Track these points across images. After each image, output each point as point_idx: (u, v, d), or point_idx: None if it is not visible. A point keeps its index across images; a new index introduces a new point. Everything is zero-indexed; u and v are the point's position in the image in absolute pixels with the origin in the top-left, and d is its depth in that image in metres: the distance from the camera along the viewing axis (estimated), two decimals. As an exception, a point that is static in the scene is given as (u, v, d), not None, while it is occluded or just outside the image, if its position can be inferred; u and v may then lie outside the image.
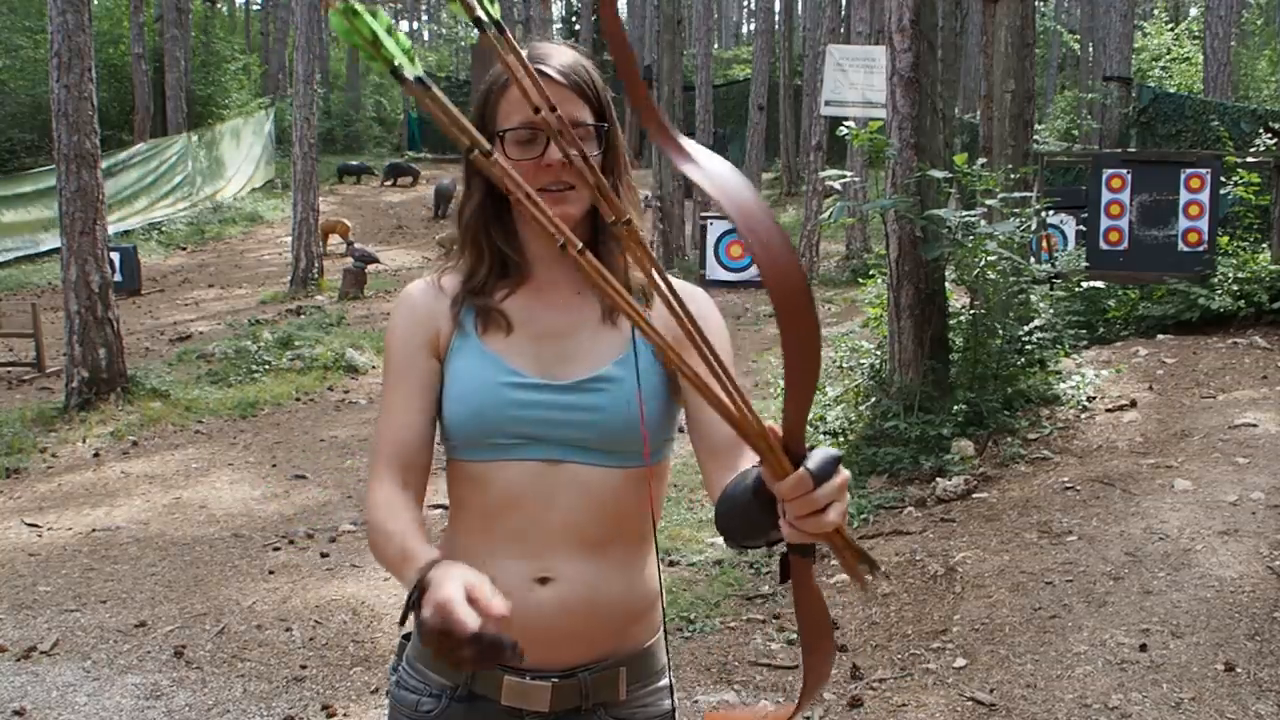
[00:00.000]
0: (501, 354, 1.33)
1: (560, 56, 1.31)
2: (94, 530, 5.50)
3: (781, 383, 6.28)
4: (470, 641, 0.95)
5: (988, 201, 5.99)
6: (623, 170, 1.35)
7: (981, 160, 7.25)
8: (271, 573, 4.80)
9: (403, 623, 1.03)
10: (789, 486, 0.94)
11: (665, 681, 1.41)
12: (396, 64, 0.90)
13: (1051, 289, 6.50)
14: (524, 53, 1.30)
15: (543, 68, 1.27)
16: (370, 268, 14.32)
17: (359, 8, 0.88)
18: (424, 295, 1.39)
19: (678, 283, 1.39)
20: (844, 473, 0.96)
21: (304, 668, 3.82)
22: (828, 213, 6.88)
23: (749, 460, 1.23)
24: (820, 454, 0.95)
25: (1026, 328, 5.73)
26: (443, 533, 1.45)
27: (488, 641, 0.95)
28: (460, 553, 1.37)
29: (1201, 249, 7.15)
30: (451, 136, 0.93)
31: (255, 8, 40.89)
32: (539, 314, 1.35)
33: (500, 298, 1.35)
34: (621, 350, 1.32)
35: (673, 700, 1.42)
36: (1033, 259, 6.70)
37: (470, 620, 0.95)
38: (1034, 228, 6.44)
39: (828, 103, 12.09)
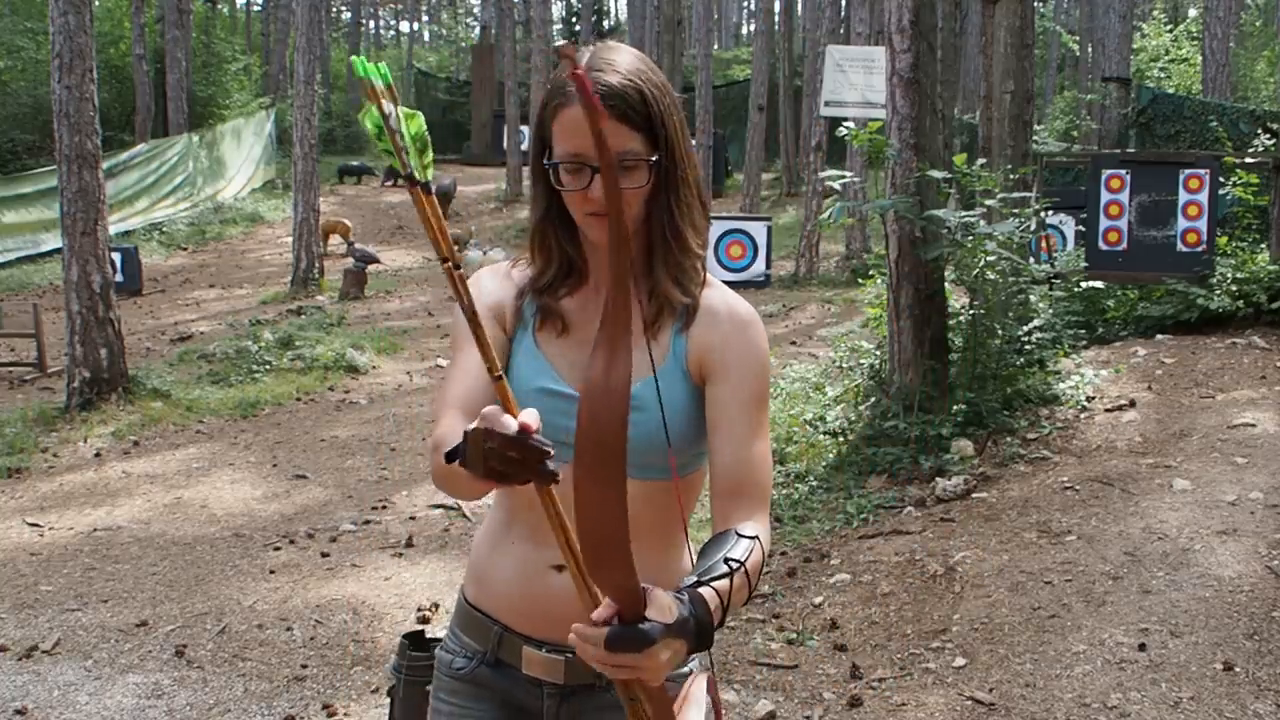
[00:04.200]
0: (549, 358, 1.40)
1: (612, 73, 1.28)
2: (95, 530, 5.51)
3: (781, 382, 6.21)
4: (512, 443, 1.01)
5: (987, 202, 6.00)
6: (680, 189, 1.34)
7: (981, 161, 7.26)
8: (272, 572, 4.81)
9: (449, 460, 1.08)
10: (586, 634, 1.05)
11: (686, 669, 1.43)
12: (409, 173, 1.02)
13: (1051, 289, 6.52)
14: (590, 52, 1.32)
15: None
16: (371, 268, 14.33)
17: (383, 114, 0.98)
18: (493, 281, 1.45)
19: (726, 294, 1.41)
20: (646, 659, 1.03)
21: (305, 667, 3.83)
22: (827, 213, 6.88)
23: (741, 515, 1.30)
24: (630, 631, 1.04)
25: (1026, 328, 5.74)
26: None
27: (529, 444, 1.02)
28: (489, 536, 1.49)
29: (1200, 249, 7.16)
30: (431, 239, 1.04)
31: (256, 9, 40.92)
32: (588, 318, 1.39)
33: (561, 296, 1.41)
34: (658, 365, 1.36)
35: (680, 684, 1.43)
36: (1032, 259, 6.71)
37: (510, 424, 1.01)
38: (1033, 228, 6.45)
39: (827, 103, 12.09)
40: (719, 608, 1.15)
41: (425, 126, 1.01)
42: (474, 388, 1.34)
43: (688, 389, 1.37)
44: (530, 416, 1.02)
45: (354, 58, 1.05)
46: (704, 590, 1.15)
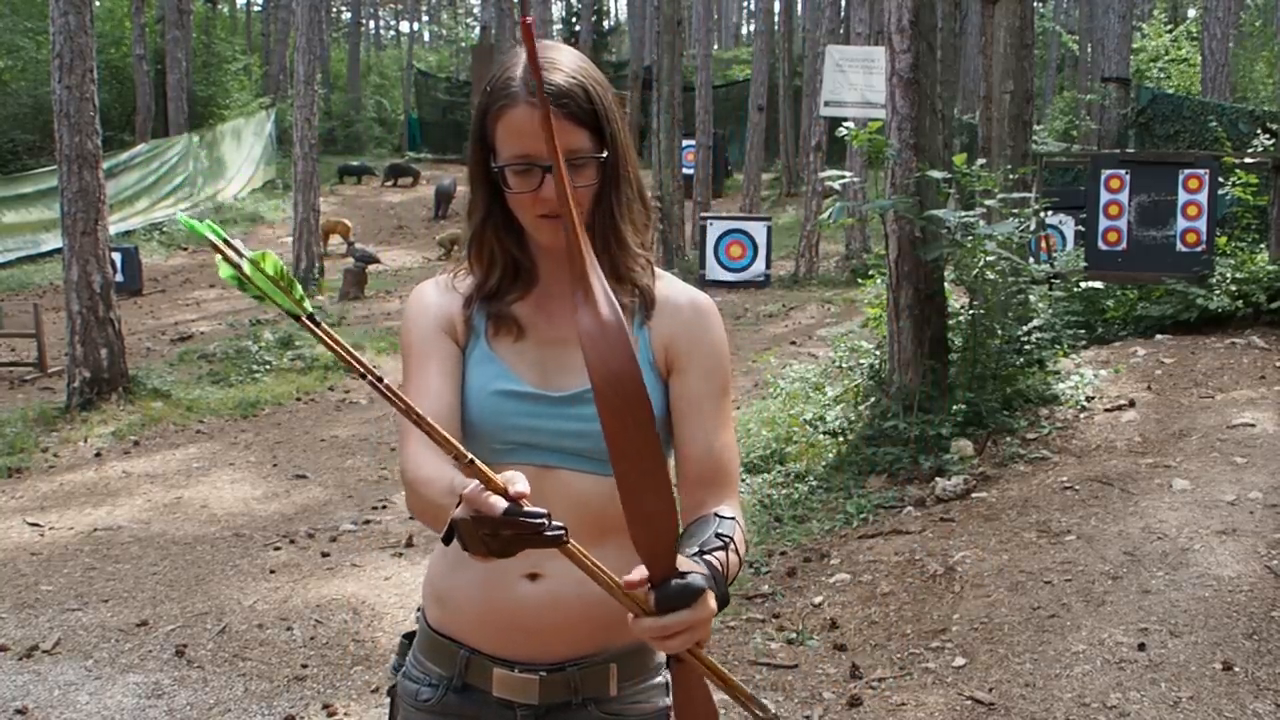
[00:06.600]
0: (506, 360, 1.35)
1: (554, 71, 1.27)
2: (96, 529, 5.51)
3: (781, 382, 6.19)
4: (505, 522, 0.96)
5: (987, 202, 6.00)
6: (621, 187, 1.34)
7: (981, 161, 7.25)
8: (272, 572, 4.81)
9: (447, 542, 1.04)
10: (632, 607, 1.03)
11: (661, 679, 1.42)
12: (293, 310, 0.99)
13: (1050, 289, 6.52)
14: (522, 55, 1.31)
15: (535, 99, 1.25)
16: (371, 268, 14.34)
17: (243, 264, 0.97)
18: (438, 293, 1.41)
19: (682, 286, 1.41)
20: (705, 607, 1.03)
21: (305, 667, 3.83)
22: (827, 213, 6.88)
23: (714, 502, 1.30)
24: (679, 585, 1.03)
25: (1025, 328, 5.74)
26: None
27: (523, 516, 0.97)
28: (449, 553, 1.40)
29: (1200, 249, 7.15)
30: (343, 364, 0.99)
31: (256, 9, 40.92)
32: (544, 320, 1.38)
33: (510, 301, 1.38)
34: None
35: (669, 698, 1.42)
36: (1031, 259, 6.71)
37: (496, 505, 0.96)
38: (1033, 228, 6.45)
39: (827, 103, 12.09)
40: (722, 577, 1.15)
41: (281, 262, 1.00)
42: (435, 409, 1.28)
43: (655, 382, 1.34)
44: (518, 484, 0.97)
45: (180, 216, 1.07)
46: (709, 558, 1.15)
